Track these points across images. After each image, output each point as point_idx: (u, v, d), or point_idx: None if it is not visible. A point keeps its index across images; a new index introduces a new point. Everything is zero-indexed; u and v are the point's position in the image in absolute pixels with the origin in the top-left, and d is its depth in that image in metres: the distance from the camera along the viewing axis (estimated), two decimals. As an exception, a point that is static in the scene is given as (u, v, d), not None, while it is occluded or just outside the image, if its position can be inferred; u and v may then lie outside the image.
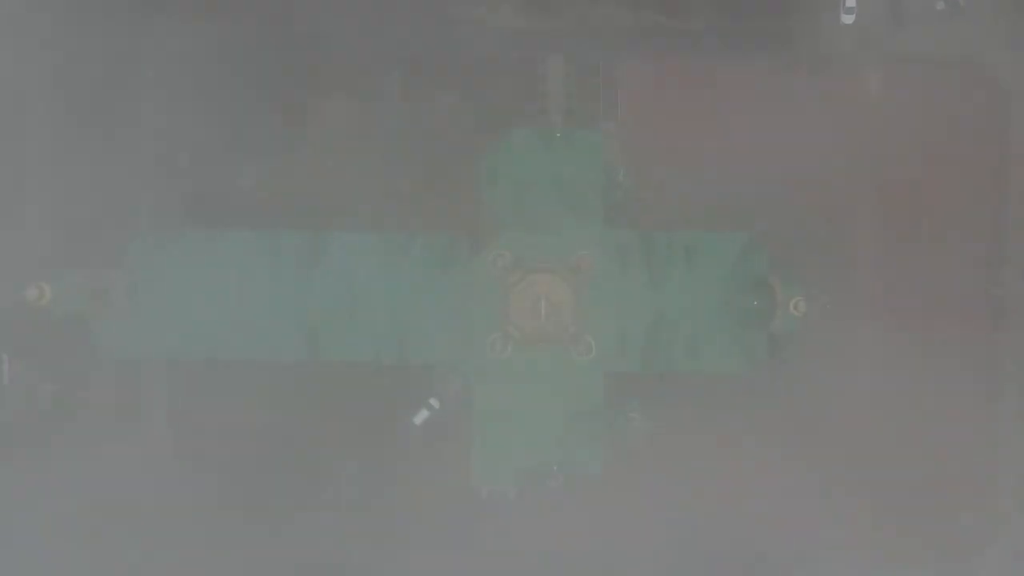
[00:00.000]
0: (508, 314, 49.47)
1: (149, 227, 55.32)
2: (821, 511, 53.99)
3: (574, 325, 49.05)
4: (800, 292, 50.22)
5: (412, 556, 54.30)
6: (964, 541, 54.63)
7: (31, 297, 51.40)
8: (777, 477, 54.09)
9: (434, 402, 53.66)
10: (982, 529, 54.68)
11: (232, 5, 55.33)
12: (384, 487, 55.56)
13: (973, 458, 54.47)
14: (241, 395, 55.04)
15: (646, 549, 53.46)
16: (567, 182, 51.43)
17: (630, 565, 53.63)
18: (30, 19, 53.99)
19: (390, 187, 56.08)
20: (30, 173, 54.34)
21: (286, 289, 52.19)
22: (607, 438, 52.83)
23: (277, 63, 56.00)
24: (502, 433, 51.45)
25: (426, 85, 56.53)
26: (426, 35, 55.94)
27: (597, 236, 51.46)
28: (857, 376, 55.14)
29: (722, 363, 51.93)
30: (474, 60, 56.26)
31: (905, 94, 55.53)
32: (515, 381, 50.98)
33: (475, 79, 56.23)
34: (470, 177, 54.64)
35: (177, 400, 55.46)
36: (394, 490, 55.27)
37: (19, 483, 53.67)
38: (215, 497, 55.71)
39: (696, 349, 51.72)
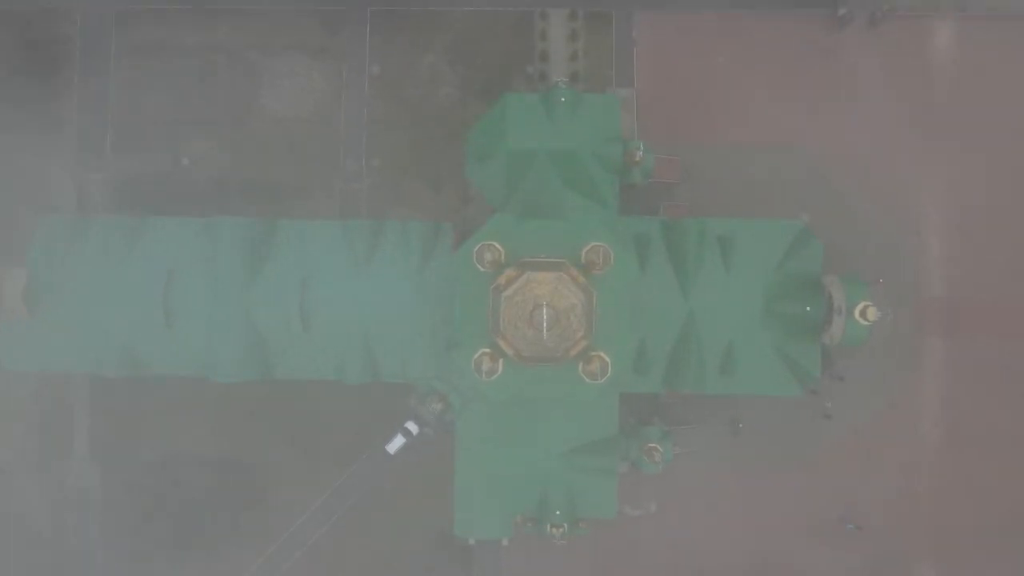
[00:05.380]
0: (499, 323, 43.91)
1: (55, 212, 53.07)
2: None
3: (583, 337, 43.89)
4: (866, 295, 45.63)
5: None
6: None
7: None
8: (830, 518, 52.80)
9: (411, 426, 51.03)
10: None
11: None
12: (351, 527, 53.71)
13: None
14: (176, 419, 54.52)
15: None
16: (574, 158, 46.46)
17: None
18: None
19: (356, 165, 54.79)
20: None
21: (228, 290, 48.00)
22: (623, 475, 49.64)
23: (224, 16, 55.55)
24: (492, 471, 47.08)
25: (404, 44, 54.86)
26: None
27: (611, 224, 46.42)
28: (936, 395, 52.68)
29: (764, 383, 47.39)
30: (462, 14, 54.76)
31: (978, 54, 53.35)
32: (508, 407, 45.66)
33: (463, 36, 54.86)
34: (455, 152, 52.04)
35: (101, 424, 55.06)
36: (363, 531, 53.54)
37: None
38: (149, 537, 54.14)
39: (733, 366, 47.26)
